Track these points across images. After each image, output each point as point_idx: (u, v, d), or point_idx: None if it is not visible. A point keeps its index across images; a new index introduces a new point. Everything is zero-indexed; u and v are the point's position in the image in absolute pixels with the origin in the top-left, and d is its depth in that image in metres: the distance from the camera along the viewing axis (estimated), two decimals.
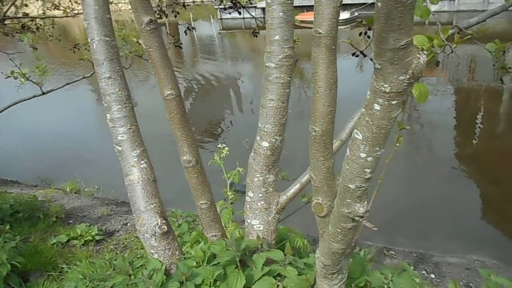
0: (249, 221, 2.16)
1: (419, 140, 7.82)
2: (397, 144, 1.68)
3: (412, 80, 0.91)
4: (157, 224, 2.05)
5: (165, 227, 2.06)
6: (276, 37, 1.81)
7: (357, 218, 1.21)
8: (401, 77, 0.90)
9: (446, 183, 5.57)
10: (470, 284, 3.00)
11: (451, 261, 3.39)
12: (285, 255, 2.00)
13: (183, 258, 2.13)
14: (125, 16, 21.03)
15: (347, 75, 10.97)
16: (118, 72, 2.02)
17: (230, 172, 2.53)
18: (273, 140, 1.98)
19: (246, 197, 2.16)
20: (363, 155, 1.05)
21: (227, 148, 2.45)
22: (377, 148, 1.04)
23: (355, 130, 1.04)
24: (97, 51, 1.99)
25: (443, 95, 10.95)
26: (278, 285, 1.94)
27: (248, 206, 2.14)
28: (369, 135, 1.01)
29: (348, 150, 1.09)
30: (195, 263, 2.06)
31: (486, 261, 3.52)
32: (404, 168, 6.05)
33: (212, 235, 2.12)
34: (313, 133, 1.53)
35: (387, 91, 0.93)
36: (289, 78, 1.91)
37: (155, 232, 2.06)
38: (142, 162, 2.06)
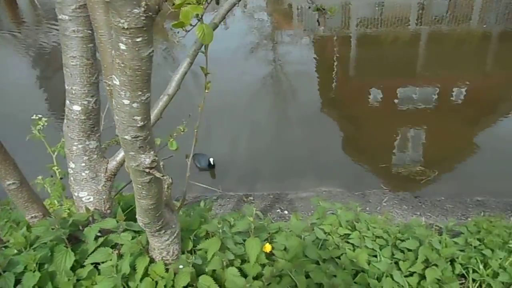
0: (76, 194, 1.99)
1: (284, 89, 8.18)
2: (206, 90, 1.65)
3: (150, 13, 0.84)
4: None
5: None
6: None
7: (147, 170, 1.15)
8: (135, 10, 0.82)
9: (308, 127, 5.94)
10: None
11: (302, 196, 3.70)
12: (117, 221, 1.89)
13: (3, 248, 1.88)
14: None
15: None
16: None
17: (55, 146, 2.28)
18: (85, 102, 1.80)
19: (69, 169, 1.97)
20: (126, 101, 0.97)
21: (44, 119, 2.18)
22: (140, 93, 0.97)
23: (112, 75, 0.95)
24: None
25: (302, 45, 11.52)
26: (115, 253, 1.84)
27: (72, 178, 1.96)
28: (125, 79, 0.93)
29: (113, 99, 1.00)
30: (16, 251, 1.83)
31: (332, 190, 3.92)
32: (269, 117, 6.28)
33: (32, 217, 1.91)
34: (108, 88, 1.41)
35: (126, 27, 0.84)
36: (90, 32, 1.71)
37: None
38: None
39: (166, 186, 1.67)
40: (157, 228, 1.57)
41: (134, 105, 0.98)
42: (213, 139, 5.15)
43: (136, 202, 1.39)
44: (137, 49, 0.88)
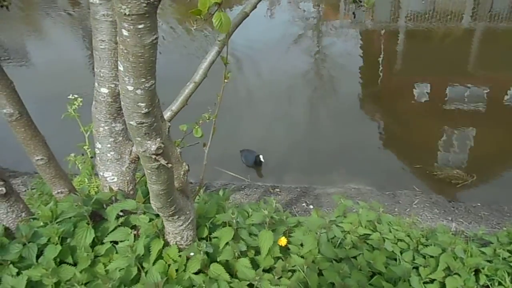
0: (101, 173, 2.06)
1: (325, 82, 8.03)
2: (226, 80, 1.65)
3: (151, 0, 0.84)
4: None
5: (3, 189, 1.88)
6: None
7: (153, 157, 1.16)
8: None
9: (346, 120, 5.80)
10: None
11: (330, 192, 3.63)
12: (137, 203, 1.95)
13: (31, 220, 1.99)
14: None
15: (255, 22, 10.76)
16: None
17: (88, 125, 2.37)
18: (113, 85, 1.85)
19: (95, 149, 2.05)
20: (130, 88, 0.99)
21: (80, 99, 2.27)
22: (143, 80, 0.98)
23: (118, 61, 0.97)
24: None
25: (347, 38, 11.21)
26: (133, 234, 1.91)
27: (98, 158, 2.04)
28: (128, 65, 0.94)
29: (119, 86, 1.02)
30: (42, 223, 1.93)
31: (362, 188, 3.82)
32: (307, 109, 6.18)
33: (58, 192, 2.00)
34: None
35: (127, 13, 0.85)
36: None
37: None
38: None
39: (182, 173, 1.70)
40: (170, 213, 1.60)
41: (138, 91, 0.99)
42: (248, 129, 5.17)
43: (148, 186, 1.43)
44: (139, 36, 0.89)
